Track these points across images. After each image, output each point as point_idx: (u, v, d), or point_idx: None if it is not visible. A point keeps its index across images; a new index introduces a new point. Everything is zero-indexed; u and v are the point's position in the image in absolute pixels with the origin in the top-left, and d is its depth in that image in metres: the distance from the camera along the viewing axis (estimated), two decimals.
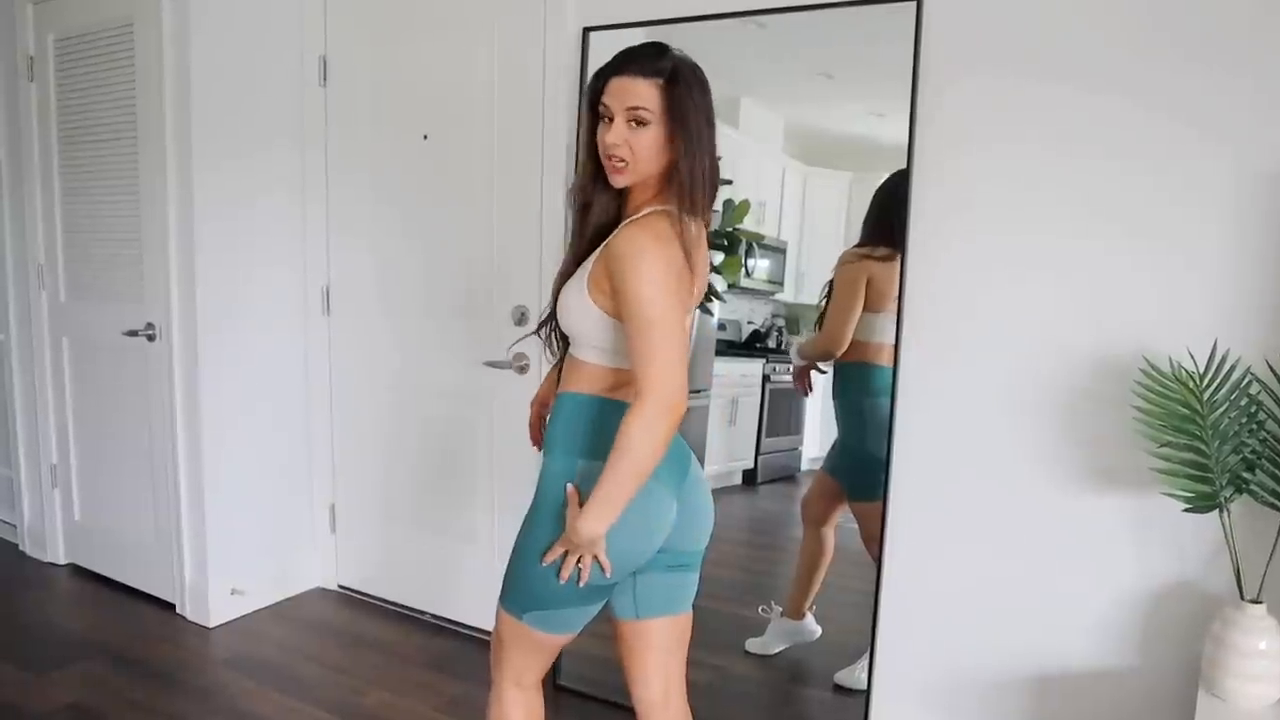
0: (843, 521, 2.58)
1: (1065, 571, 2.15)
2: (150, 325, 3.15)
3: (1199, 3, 1.91)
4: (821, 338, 2.53)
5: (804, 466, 2.74)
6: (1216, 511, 1.82)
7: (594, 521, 1.49)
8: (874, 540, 2.39)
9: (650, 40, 1.60)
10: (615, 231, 1.55)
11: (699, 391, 2.76)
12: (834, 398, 2.57)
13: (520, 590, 1.66)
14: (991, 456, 2.22)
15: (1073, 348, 2.09)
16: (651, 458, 1.46)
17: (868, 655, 2.40)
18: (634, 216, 1.57)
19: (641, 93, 1.51)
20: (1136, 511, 2.05)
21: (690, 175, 1.53)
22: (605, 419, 1.57)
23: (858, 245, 2.42)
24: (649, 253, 1.48)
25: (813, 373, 2.60)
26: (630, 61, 1.54)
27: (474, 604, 3.14)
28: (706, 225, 1.66)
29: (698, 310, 2.72)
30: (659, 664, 1.74)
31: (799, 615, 2.61)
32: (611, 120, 1.54)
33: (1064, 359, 2.11)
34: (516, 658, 1.72)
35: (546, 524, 1.59)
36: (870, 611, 2.39)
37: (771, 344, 2.73)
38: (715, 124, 1.59)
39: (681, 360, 1.48)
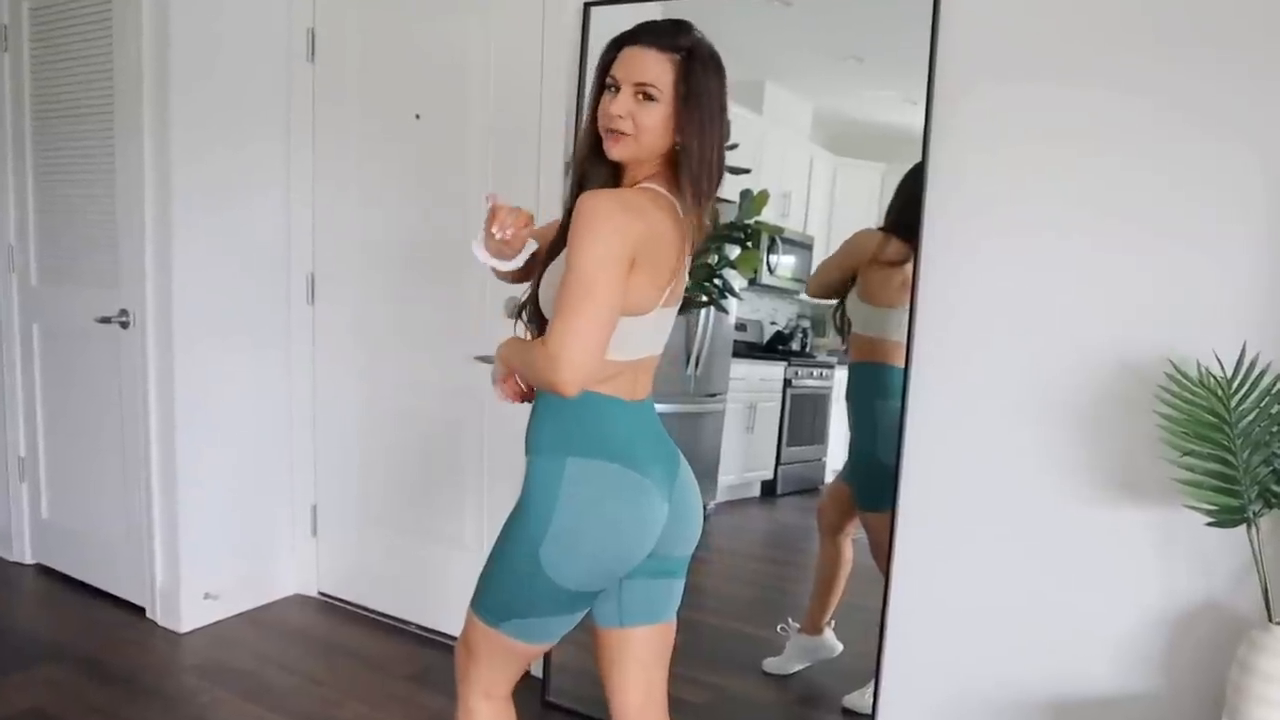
0: (858, 534, 2.60)
1: (1083, 589, 2.17)
2: (124, 312, 3.22)
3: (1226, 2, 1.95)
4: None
5: (828, 478, 2.74)
6: (1244, 527, 1.84)
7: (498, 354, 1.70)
8: (883, 554, 2.41)
9: (671, 17, 1.62)
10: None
11: (714, 395, 2.78)
12: (846, 399, 2.59)
13: (498, 598, 1.68)
14: (1006, 465, 2.24)
15: (1094, 351, 2.12)
16: (534, 382, 1.60)
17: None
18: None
19: (653, 67, 1.54)
20: (1160, 526, 2.07)
21: (700, 162, 1.56)
22: (595, 414, 1.60)
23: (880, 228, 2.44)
24: (609, 218, 1.48)
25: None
26: (647, 33, 1.57)
27: (461, 614, 3.14)
28: (713, 219, 1.68)
29: (713, 309, 2.77)
30: (640, 674, 1.78)
31: (817, 631, 2.62)
32: (618, 91, 1.57)
33: (1085, 363, 2.13)
34: (488, 668, 1.75)
35: (531, 531, 1.60)
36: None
37: (795, 346, 2.72)
38: (728, 114, 1.62)
39: (601, 344, 1.48)
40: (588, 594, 1.65)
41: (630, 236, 1.49)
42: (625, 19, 1.63)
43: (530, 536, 1.60)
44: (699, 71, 1.55)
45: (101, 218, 3.28)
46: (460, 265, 3.08)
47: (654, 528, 1.63)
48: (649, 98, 1.55)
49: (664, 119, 1.56)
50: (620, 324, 1.54)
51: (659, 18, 1.65)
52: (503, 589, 1.67)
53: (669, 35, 1.57)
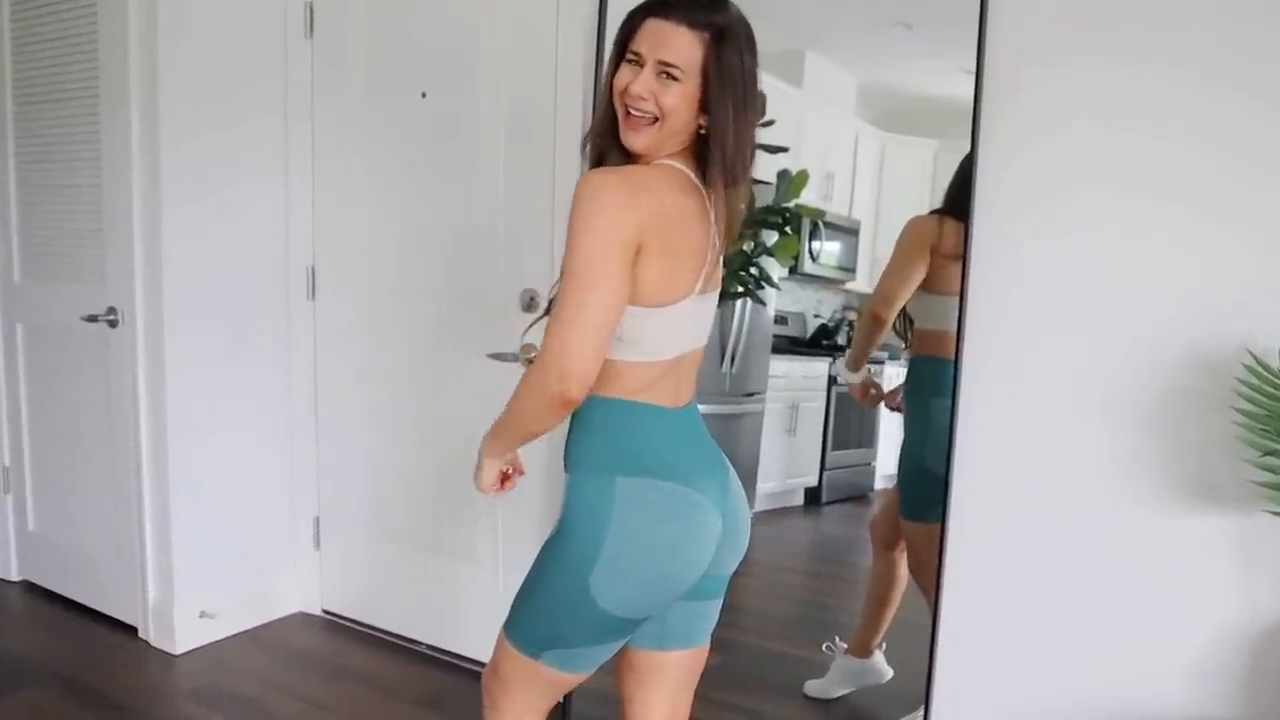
0: None
1: (1154, 603, 2.14)
2: (112, 310, 3.23)
3: None
4: (870, 300, 2.50)
5: (877, 484, 2.72)
6: None
7: (484, 446, 1.71)
8: (922, 569, 2.37)
9: None
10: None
11: (752, 395, 2.75)
12: (904, 396, 2.55)
13: (539, 626, 1.65)
14: (1067, 469, 2.21)
15: (1163, 344, 2.08)
16: (532, 419, 1.56)
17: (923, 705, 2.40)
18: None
19: (680, 45, 1.51)
20: (1239, 533, 2.03)
21: (732, 148, 1.54)
22: (639, 426, 1.58)
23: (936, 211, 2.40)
24: (608, 201, 1.44)
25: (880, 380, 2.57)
26: (677, 6, 1.53)
27: (475, 633, 3.18)
28: (748, 202, 1.66)
29: (749, 301, 2.74)
30: (668, 699, 1.78)
31: (865, 653, 2.59)
32: (640, 67, 1.53)
33: (1153, 357, 2.10)
34: (524, 697, 1.72)
35: (577, 557, 1.57)
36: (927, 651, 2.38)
37: (841, 341, 2.70)
38: (760, 90, 1.59)
39: (599, 342, 1.45)
40: (637, 620, 1.63)
41: (633, 220, 1.45)
42: None
43: (577, 563, 1.56)
44: (731, 51, 1.52)
45: (87, 208, 3.30)
46: (472, 255, 3.07)
47: (710, 546, 1.61)
48: (672, 78, 1.52)
49: (689, 99, 1.53)
50: (653, 318, 1.52)
51: None
52: (545, 617, 1.63)
53: (702, 10, 1.52)
